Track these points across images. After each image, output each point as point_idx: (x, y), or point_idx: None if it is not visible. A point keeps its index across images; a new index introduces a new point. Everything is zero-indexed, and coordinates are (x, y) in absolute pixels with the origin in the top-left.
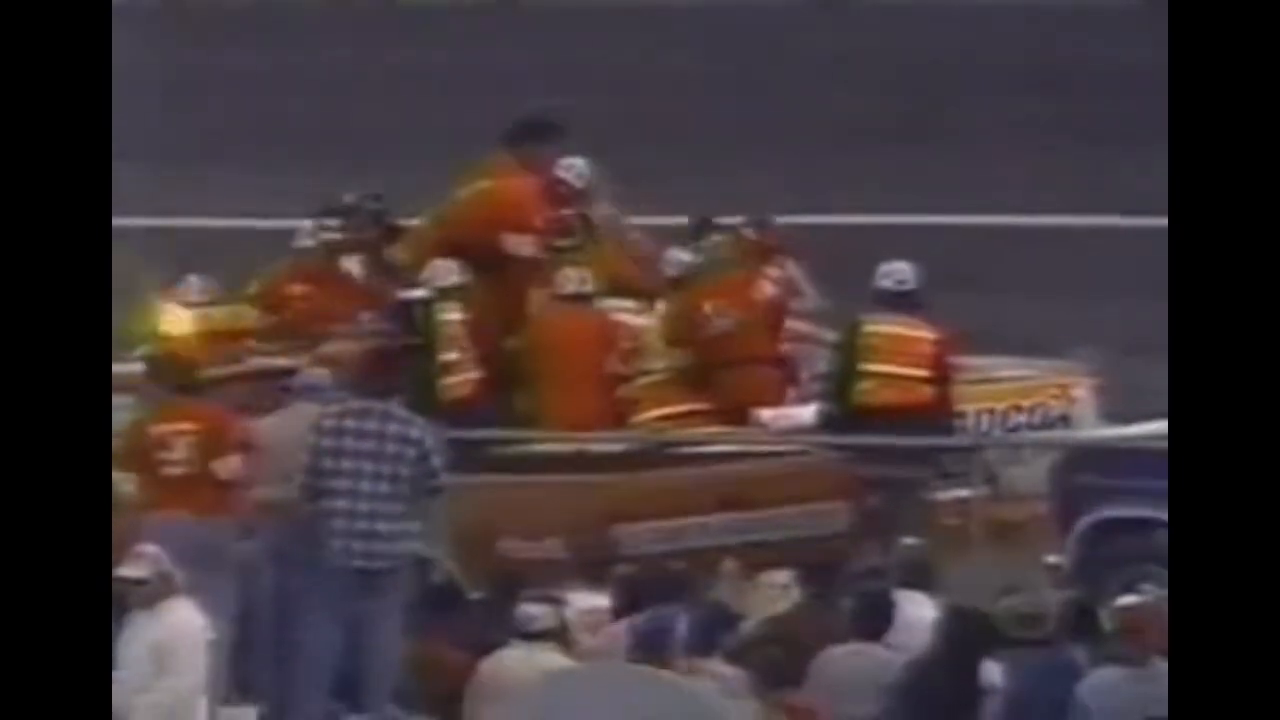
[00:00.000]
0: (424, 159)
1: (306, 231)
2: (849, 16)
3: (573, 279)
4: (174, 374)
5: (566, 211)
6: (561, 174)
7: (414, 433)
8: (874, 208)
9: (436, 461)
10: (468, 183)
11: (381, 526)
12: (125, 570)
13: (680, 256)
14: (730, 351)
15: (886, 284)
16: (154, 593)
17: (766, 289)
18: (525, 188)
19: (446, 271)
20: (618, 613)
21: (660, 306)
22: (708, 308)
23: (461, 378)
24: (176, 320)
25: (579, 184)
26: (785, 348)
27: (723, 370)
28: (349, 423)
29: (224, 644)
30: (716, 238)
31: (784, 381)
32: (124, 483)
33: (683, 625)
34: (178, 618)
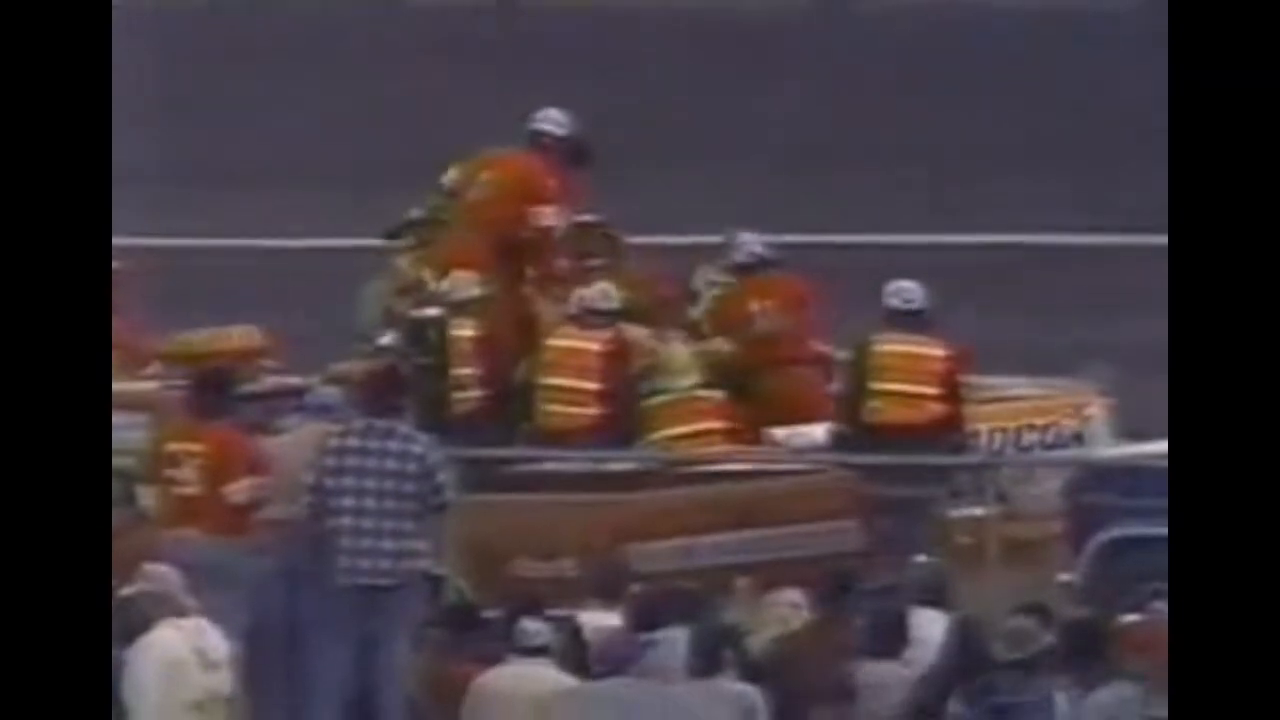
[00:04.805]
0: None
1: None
2: (853, 33)
3: (594, 293)
4: (218, 392)
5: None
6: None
7: (415, 449)
8: (881, 227)
9: (441, 478)
10: (468, 181)
11: (386, 544)
12: (132, 589)
13: (710, 274)
14: (775, 351)
15: (895, 303)
16: (160, 612)
17: (809, 290)
18: (532, 161)
19: (467, 283)
20: (631, 632)
21: (674, 334)
22: (755, 305)
23: (473, 394)
24: (221, 337)
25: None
26: (822, 349)
27: (766, 371)
28: (351, 441)
29: (234, 663)
30: (748, 237)
31: (823, 383)
32: (145, 497)
33: (689, 644)
34: (181, 637)
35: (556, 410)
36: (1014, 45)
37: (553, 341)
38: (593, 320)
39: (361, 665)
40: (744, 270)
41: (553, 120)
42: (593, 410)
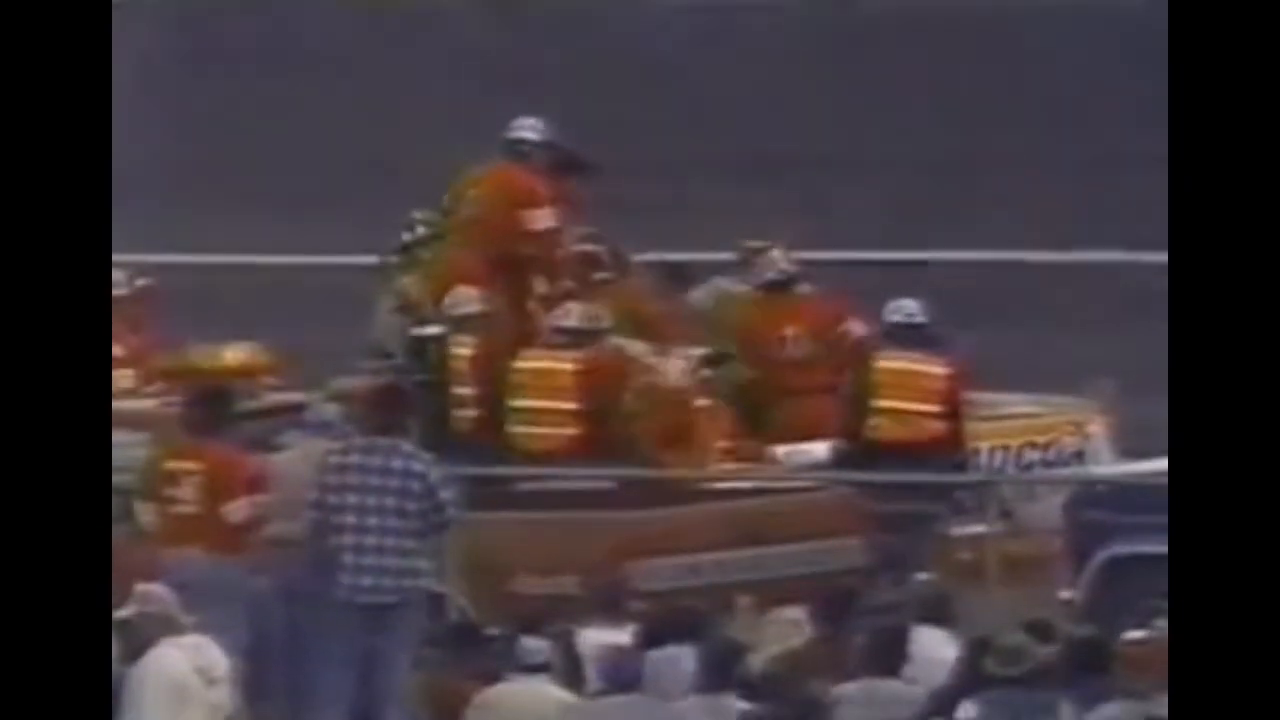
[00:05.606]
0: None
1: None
2: (861, 49)
3: (561, 313)
4: (216, 409)
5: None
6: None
7: (417, 467)
8: (883, 243)
9: (443, 495)
10: (458, 200)
11: (389, 562)
12: (129, 610)
13: (726, 286)
14: (802, 377)
15: (896, 319)
16: (157, 632)
17: (846, 317)
18: (523, 171)
19: (467, 300)
20: (635, 649)
21: (676, 351)
22: (787, 329)
23: (473, 413)
24: (221, 355)
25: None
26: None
27: (788, 396)
28: (353, 459)
29: (236, 680)
30: (775, 254)
31: (838, 411)
32: (144, 515)
33: (692, 661)
34: (183, 655)
35: (524, 432)
36: (1013, 52)
37: (520, 364)
38: (562, 340)
39: (363, 683)
40: (772, 288)
41: (528, 127)
42: (570, 430)
